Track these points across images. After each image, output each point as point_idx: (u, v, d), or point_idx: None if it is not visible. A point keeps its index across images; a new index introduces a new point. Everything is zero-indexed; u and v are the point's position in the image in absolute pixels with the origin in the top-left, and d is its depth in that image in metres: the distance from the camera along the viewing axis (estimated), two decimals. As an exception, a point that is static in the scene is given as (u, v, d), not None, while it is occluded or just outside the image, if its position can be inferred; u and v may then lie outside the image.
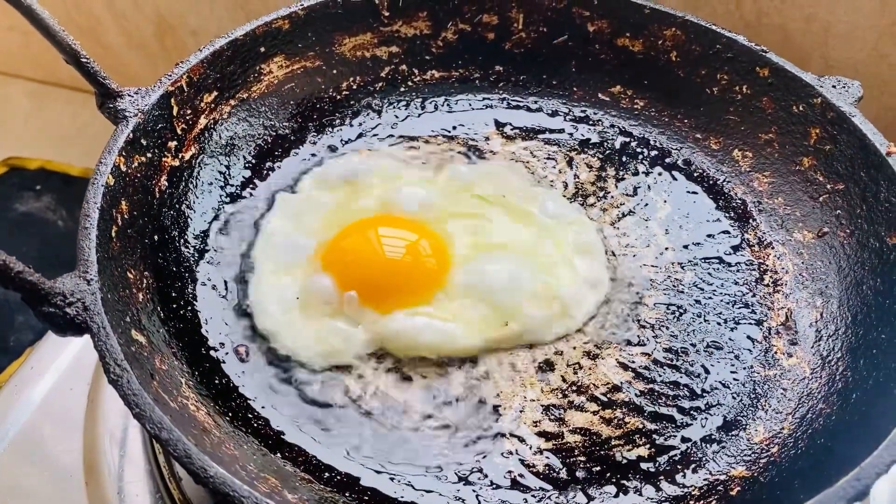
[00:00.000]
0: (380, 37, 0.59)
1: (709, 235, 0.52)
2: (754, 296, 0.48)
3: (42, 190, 0.84)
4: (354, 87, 0.59)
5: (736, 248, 0.51)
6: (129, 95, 0.47)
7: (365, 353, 0.45)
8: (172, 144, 0.49)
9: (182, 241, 0.48)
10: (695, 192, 0.55)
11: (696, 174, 0.56)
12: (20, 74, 1.04)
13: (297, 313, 0.46)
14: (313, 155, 0.55)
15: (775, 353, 0.45)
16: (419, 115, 0.59)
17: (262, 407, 0.42)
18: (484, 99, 0.61)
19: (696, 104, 0.58)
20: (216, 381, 0.42)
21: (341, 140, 0.56)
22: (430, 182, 0.53)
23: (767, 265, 0.50)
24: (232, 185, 0.52)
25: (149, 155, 0.47)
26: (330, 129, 0.57)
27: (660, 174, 0.56)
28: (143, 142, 0.46)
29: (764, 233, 0.52)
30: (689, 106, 0.58)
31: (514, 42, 0.61)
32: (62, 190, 0.85)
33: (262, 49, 0.55)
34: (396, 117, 0.58)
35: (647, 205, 0.53)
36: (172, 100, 0.49)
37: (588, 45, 0.60)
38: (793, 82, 0.53)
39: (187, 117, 0.50)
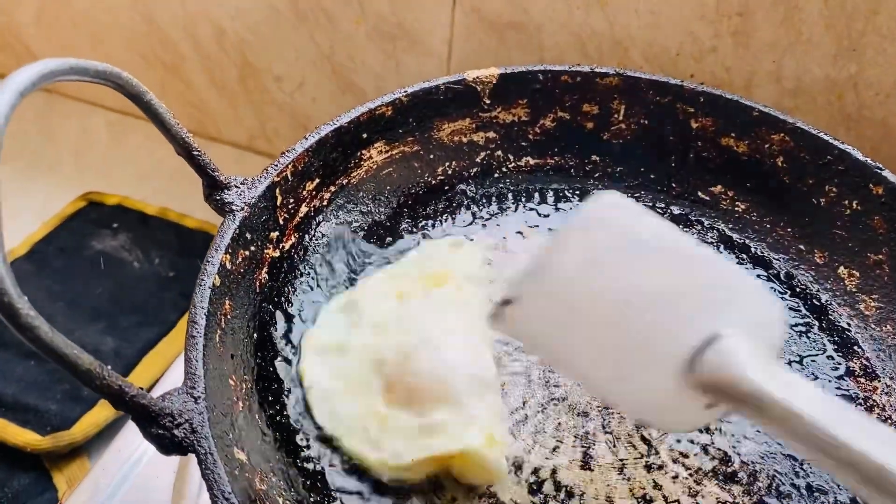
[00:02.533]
0: (478, 122, 0.59)
1: (810, 356, 0.50)
2: (860, 433, 0.46)
3: (118, 228, 0.85)
4: (450, 171, 0.59)
5: (840, 377, 0.49)
6: (235, 187, 0.47)
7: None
8: (274, 235, 0.49)
9: (280, 337, 0.48)
10: (796, 309, 0.53)
11: (797, 289, 0.54)
12: (102, 104, 1.05)
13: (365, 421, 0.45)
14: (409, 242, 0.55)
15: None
16: (514, 207, 0.58)
17: (356, 527, 0.41)
18: (579, 189, 0.60)
19: (800, 213, 0.56)
20: (312, 499, 0.41)
21: (437, 231, 0.56)
22: None
23: (874, 400, 0.48)
24: (329, 274, 0.52)
25: (252, 248, 0.47)
26: (425, 219, 0.56)
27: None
28: (248, 235, 0.46)
29: (871, 363, 0.50)
30: (794, 215, 0.56)
31: (613, 133, 0.60)
32: (138, 229, 0.85)
33: (365, 135, 0.54)
34: (491, 208, 0.58)
35: (747, 321, 0.52)
36: (277, 190, 0.49)
37: (690, 142, 0.59)
38: (909, 204, 0.51)
39: (289, 206, 0.50)
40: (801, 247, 0.55)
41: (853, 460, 0.26)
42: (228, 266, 0.44)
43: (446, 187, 0.58)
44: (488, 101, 0.58)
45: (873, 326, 0.51)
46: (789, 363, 0.50)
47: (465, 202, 0.58)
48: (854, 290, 0.53)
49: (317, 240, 0.52)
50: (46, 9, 0.95)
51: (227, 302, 0.43)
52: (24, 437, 0.65)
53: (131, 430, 0.54)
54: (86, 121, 1.02)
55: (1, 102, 0.32)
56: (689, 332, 0.32)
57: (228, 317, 0.43)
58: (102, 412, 0.68)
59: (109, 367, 0.34)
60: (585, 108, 0.60)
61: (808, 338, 0.51)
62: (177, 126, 0.44)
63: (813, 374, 0.49)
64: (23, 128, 0.99)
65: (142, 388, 0.35)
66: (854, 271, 0.53)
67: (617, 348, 0.33)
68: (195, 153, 0.45)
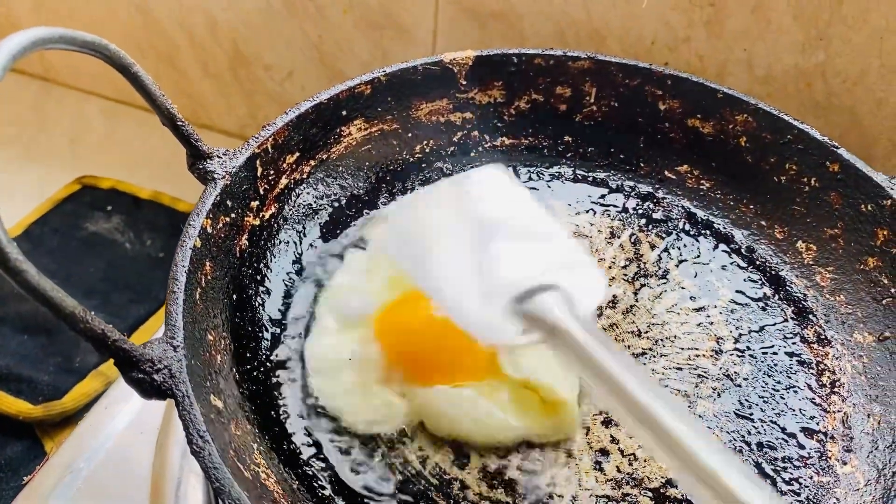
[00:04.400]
0: (455, 103, 0.61)
1: (768, 325, 0.52)
2: (811, 395, 0.49)
3: (112, 211, 0.87)
4: (427, 150, 0.61)
5: (795, 343, 0.52)
6: (217, 157, 0.49)
7: (410, 426, 0.46)
8: (254, 204, 0.51)
9: (258, 299, 0.50)
10: (755, 281, 0.55)
11: (757, 262, 0.56)
12: (96, 92, 1.07)
13: (348, 375, 0.47)
14: (385, 216, 0.57)
15: (829, 458, 0.46)
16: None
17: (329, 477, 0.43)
18: (550, 168, 0.62)
19: (762, 191, 0.58)
20: (284, 447, 0.44)
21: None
22: None
23: (825, 364, 0.50)
24: (307, 243, 0.54)
25: (233, 215, 0.49)
26: (402, 193, 0.59)
27: (722, 259, 0.56)
28: (229, 203, 0.49)
29: (823, 330, 0.52)
30: (756, 192, 0.59)
31: (585, 115, 0.63)
32: (131, 212, 0.88)
33: (344, 112, 0.57)
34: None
35: (708, 290, 0.54)
36: (258, 161, 0.51)
37: (658, 123, 0.61)
38: (863, 181, 0.53)
39: (270, 178, 0.52)
40: (763, 222, 0.58)
41: (617, 391, 0.34)
42: (209, 230, 0.46)
43: (423, 165, 0.61)
44: (465, 83, 0.60)
45: (827, 296, 0.54)
46: (749, 332, 0.52)
47: (442, 179, 0.60)
48: (811, 262, 0.55)
49: (296, 210, 0.55)
50: (44, 0, 0.98)
51: (208, 263, 0.46)
52: (17, 406, 0.67)
53: (116, 391, 0.56)
54: (80, 108, 1.05)
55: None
56: (526, 277, 0.39)
57: (209, 277, 0.46)
58: (93, 383, 0.70)
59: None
60: (558, 91, 0.62)
61: (768, 308, 0.54)
62: (162, 97, 0.46)
63: (768, 342, 0.52)
64: (19, 114, 1.02)
65: (123, 334, 0.37)
66: (811, 245, 0.56)
67: (465, 272, 0.40)
68: (179, 123, 0.47)
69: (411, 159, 0.61)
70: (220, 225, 0.48)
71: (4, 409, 0.68)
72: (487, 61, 0.60)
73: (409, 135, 0.60)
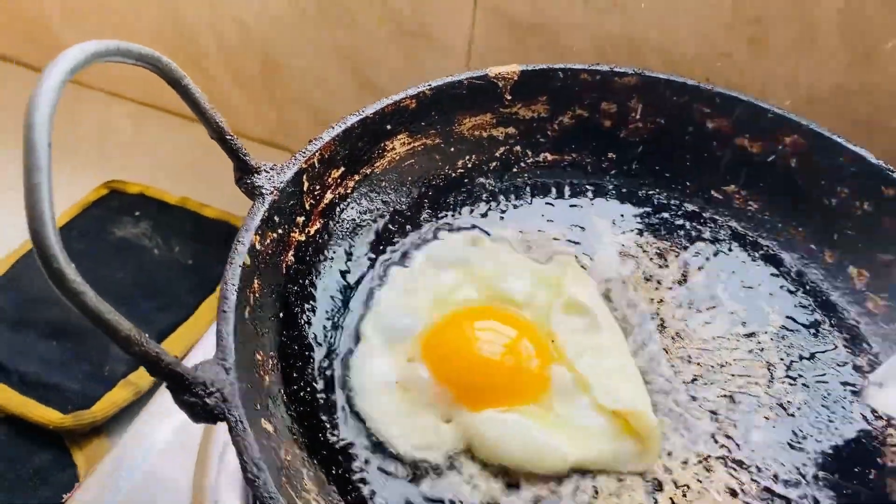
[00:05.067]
0: (499, 118, 0.60)
1: (820, 353, 0.51)
2: (867, 427, 0.48)
3: (140, 216, 0.87)
4: (469, 165, 0.60)
5: (847, 373, 0.50)
6: (265, 171, 0.48)
7: (460, 451, 0.45)
8: (300, 220, 0.50)
9: (304, 317, 0.49)
10: (805, 307, 0.54)
11: (808, 286, 0.55)
12: (123, 95, 1.07)
13: (395, 397, 0.46)
14: (428, 232, 0.56)
15: (890, 493, 0.45)
16: (531, 201, 0.59)
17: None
18: (595, 185, 0.61)
19: (812, 213, 0.57)
20: (333, 472, 0.43)
21: (456, 222, 0.57)
22: (537, 274, 0.54)
23: (881, 395, 0.49)
24: (351, 259, 0.54)
25: (280, 231, 0.48)
26: (445, 209, 0.58)
27: (771, 283, 0.55)
28: (276, 218, 0.48)
29: (878, 358, 0.51)
30: (805, 214, 0.57)
31: (631, 131, 0.62)
32: (159, 218, 0.87)
33: (389, 126, 0.56)
34: (509, 201, 0.59)
35: (758, 316, 0.53)
36: (304, 176, 0.50)
37: (705, 142, 0.60)
38: (920, 206, 0.52)
39: (315, 193, 0.52)
40: (812, 246, 0.57)
41: None
42: (258, 247, 0.45)
43: (465, 180, 0.60)
44: (509, 97, 0.59)
45: (881, 324, 0.52)
46: (800, 360, 0.51)
47: (484, 195, 0.59)
48: (863, 288, 0.54)
49: (340, 225, 0.54)
50: (73, 1, 0.97)
51: (256, 281, 0.45)
52: (47, 414, 0.67)
53: (152, 411, 0.56)
54: (108, 111, 1.04)
55: (51, 80, 0.34)
56: None
57: (257, 295, 0.45)
58: (122, 392, 0.70)
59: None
60: (604, 107, 0.61)
61: (820, 335, 0.52)
62: (211, 110, 0.46)
63: (820, 369, 0.50)
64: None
65: (176, 357, 0.36)
66: (863, 271, 0.54)
67: None
68: (228, 137, 0.46)
69: (453, 174, 0.60)
70: (268, 241, 0.47)
71: (34, 417, 0.67)
72: (532, 76, 0.59)
73: (452, 149, 0.60)
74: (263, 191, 0.47)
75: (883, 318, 0.53)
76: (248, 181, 0.48)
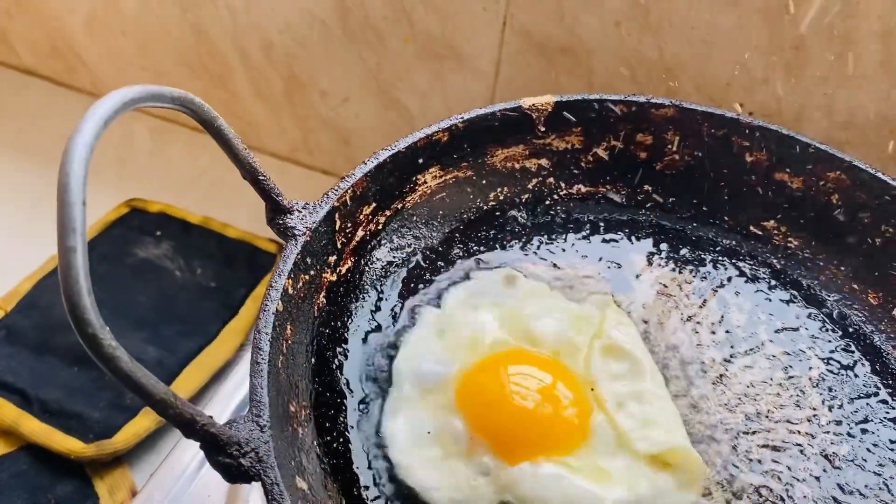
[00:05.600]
0: (531, 149, 0.59)
1: (865, 400, 0.50)
2: (916, 481, 0.46)
3: (161, 236, 0.86)
4: (501, 197, 0.59)
5: (893, 420, 0.49)
6: (297, 211, 0.47)
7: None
8: (332, 259, 0.49)
9: (336, 361, 0.48)
10: (850, 351, 0.52)
11: (850, 329, 0.54)
12: (144, 110, 1.06)
13: (430, 449, 0.45)
14: (459, 270, 0.55)
15: (941, 555, 0.43)
16: (565, 237, 0.58)
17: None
18: (630, 219, 0.60)
19: (854, 252, 0.56)
20: (371, 528, 0.42)
21: (489, 258, 0.56)
22: (574, 314, 0.52)
23: (930, 446, 0.48)
24: (382, 299, 0.52)
25: (311, 273, 0.47)
26: (477, 244, 0.57)
27: (812, 325, 0.54)
28: (308, 260, 0.47)
29: (926, 407, 0.49)
30: (848, 253, 0.56)
31: (666, 163, 0.60)
32: (180, 238, 0.86)
33: (421, 160, 0.54)
34: (542, 237, 0.58)
35: (800, 360, 0.52)
36: (337, 214, 0.49)
37: (744, 176, 0.59)
38: (969, 250, 0.50)
39: (347, 231, 0.50)
40: (855, 286, 0.55)
41: None
42: (290, 291, 0.44)
43: (497, 213, 0.58)
44: (542, 129, 0.58)
45: (928, 370, 0.51)
46: (843, 407, 0.49)
47: (517, 229, 0.58)
48: (909, 332, 0.53)
49: (371, 264, 0.53)
50: (97, 16, 0.96)
51: (289, 327, 0.44)
52: (69, 444, 0.66)
53: (178, 453, 0.55)
54: (129, 126, 1.03)
55: (85, 135, 0.33)
56: None
57: (290, 342, 0.44)
58: (144, 422, 0.69)
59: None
60: (639, 138, 0.60)
61: (860, 379, 0.51)
62: (244, 151, 0.44)
63: (865, 416, 0.49)
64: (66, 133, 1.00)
65: (210, 417, 0.35)
66: (909, 313, 0.53)
67: None
68: (261, 178, 0.45)
69: (485, 207, 0.58)
70: (300, 284, 0.46)
71: (56, 446, 0.66)
72: (567, 107, 0.58)
73: (484, 182, 0.58)
74: (296, 231, 0.46)
75: (930, 363, 0.51)
76: (281, 222, 0.47)
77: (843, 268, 0.56)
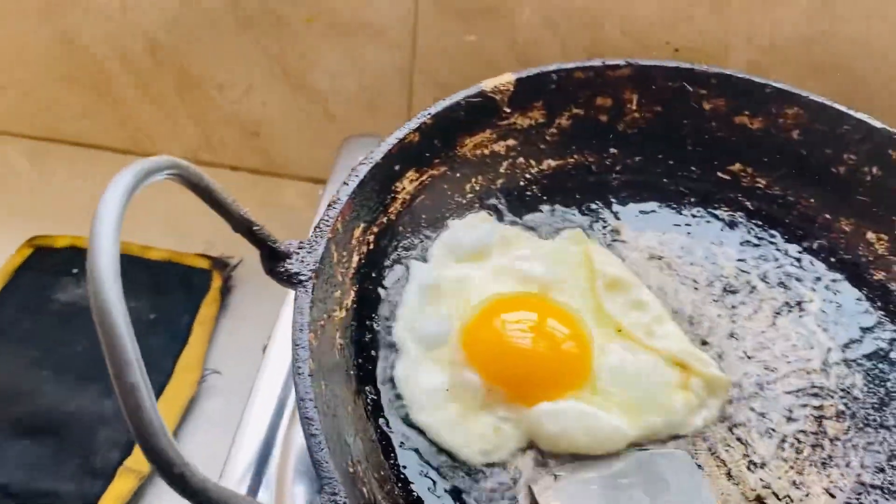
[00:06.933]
0: (498, 131, 0.57)
1: (865, 329, 0.52)
2: (929, 397, 0.49)
3: (79, 273, 0.78)
4: (477, 187, 0.57)
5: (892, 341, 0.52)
6: (295, 253, 0.43)
7: (520, 450, 0.45)
8: (338, 294, 0.46)
9: (369, 401, 0.45)
10: (837, 280, 0.55)
11: (832, 259, 0.56)
12: (11, 131, 0.95)
13: (449, 406, 0.46)
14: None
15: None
16: (543, 211, 0.57)
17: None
18: (603, 185, 0.59)
19: (822, 183, 0.58)
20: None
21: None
22: (558, 254, 0.53)
23: (930, 358, 0.51)
24: (390, 322, 0.50)
25: (325, 317, 0.44)
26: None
27: (799, 261, 0.55)
28: (321, 304, 0.43)
29: (919, 325, 0.52)
30: (815, 185, 0.58)
31: (628, 123, 0.60)
32: (101, 271, 0.78)
33: (397, 167, 0.51)
34: (521, 216, 0.57)
35: (797, 299, 0.53)
36: (333, 247, 0.46)
37: (704, 124, 0.59)
38: (930, 166, 0.53)
39: (344, 260, 0.47)
40: (827, 216, 0.57)
41: None
42: (315, 343, 0.41)
43: (476, 205, 0.56)
44: (508, 110, 0.56)
45: (911, 286, 0.54)
46: (844, 337, 0.51)
47: (496, 217, 0.56)
48: (885, 252, 0.55)
49: (372, 288, 0.50)
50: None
51: (323, 384, 0.41)
52: (50, 529, 0.60)
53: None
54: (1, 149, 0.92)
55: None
56: None
57: (327, 398, 0.41)
58: (125, 483, 0.64)
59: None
60: (599, 102, 0.59)
61: (853, 306, 0.53)
62: (234, 205, 0.40)
63: (874, 344, 0.51)
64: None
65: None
66: (882, 235, 0.55)
67: None
68: (255, 228, 0.41)
69: (463, 201, 0.56)
70: (319, 332, 0.42)
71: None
72: (527, 82, 0.56)
73: (458, 175, 0.56)
74: (301, 277, 0.43)
75: (911, 280, 0.54)
76: (282, 269, 0.43)
77: (812, 200, 0.58)
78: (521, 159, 0.58)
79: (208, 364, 0.74)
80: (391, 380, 0.47)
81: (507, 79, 0.55)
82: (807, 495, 0.44)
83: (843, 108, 0.55)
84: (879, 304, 0.54)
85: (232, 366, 0.74)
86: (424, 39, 0.76)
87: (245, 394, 0.59)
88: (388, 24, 0.76)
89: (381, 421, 0.45)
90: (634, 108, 0.59)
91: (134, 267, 0.79)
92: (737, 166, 0.59)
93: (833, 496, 0.45)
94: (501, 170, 0.58)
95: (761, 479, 0.45)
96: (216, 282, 0.79)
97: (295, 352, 0.40)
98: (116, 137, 0.92)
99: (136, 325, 0.72)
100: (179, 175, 0.36)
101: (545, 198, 0.58)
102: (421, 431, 0.45)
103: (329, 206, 0.46)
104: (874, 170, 0.55)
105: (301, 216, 0.88)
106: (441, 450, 0.44)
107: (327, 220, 0.45)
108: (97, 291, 0.27)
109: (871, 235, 0.56)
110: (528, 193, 0.58)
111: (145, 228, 0.82)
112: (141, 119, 0.89)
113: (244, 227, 0.41)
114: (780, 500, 0.44)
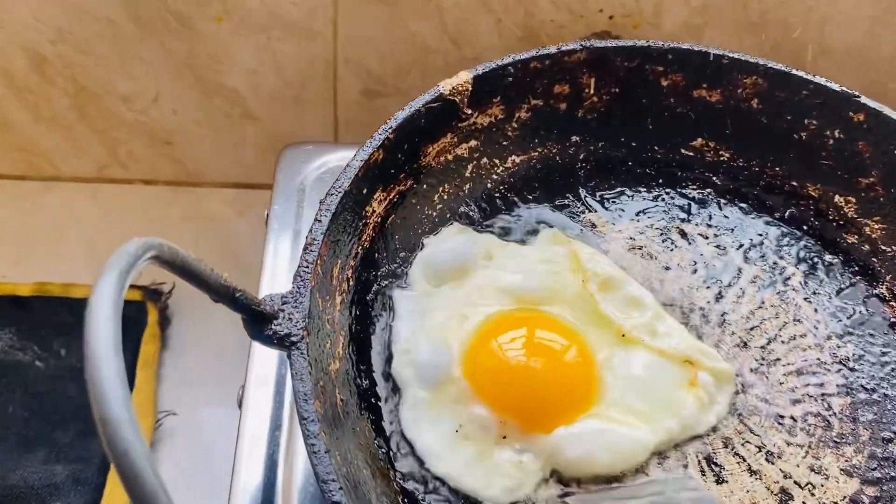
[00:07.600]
0: (459, 134, 0.54)
1: (847, 296, 0.53)
2: (917, 356, 0.50)
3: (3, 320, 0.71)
4: (445, 197, 0.54)
5: (876, 307, 0.52)
6: (281, 311, 0.39)
7: (544, 480, 0.43)
8: (328, 346, 0.42)
9: (382, 449, 0.42)
10: (812, 249, 0.55)
11: (805, 227, 0.56)
12: None
13: (464, 447, 0.43)
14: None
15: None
16: (513, 215, 0.55)
17: None
18: (569, 179, 0.57)
19: (785, 151, 0.57)
20: None
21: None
22: (544, 261, 0.51)
23: (914, 320, 0.52)
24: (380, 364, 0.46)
25: (323, 375, 0.40)
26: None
27: (772, 234, 0.55)
28: (316, 362, 0.40)
29: (893, 286, 0.53)
30: (778, 153, 0.57)
31: (587, 108, 0.57)
32: (19, 319, 0.71)
33: (365, 190, 0.47)
34: (493, 221, 0.54)
35: (779, 273, 0.53)
36: (317, 294, 0.42)
37: (663, 101, 0.57)
38: (892, 125, 0.53)
39: (328, 307, 0.43)
40: (794, 183, 0.57)
41: None
42: (321, 411, 0.37)
43: (448, 215, 0.53)
44: (469, 111, 0.53)
45: (882, 247, 0.54)
46: (829, 307, 0.52)
47: (471, 225, 0.53)
48: (854, 216, 0.55)
49: (357, 332, 0.46)
50: None
51: (337, 454, 0.37)
52: None
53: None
54: None
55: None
56: None
57: (340, 464, 0.37)
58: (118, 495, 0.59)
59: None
60: (556, 90, 0.56)
61: (833, 271, 0.53)
62: (213, 275, 0.36)
63: (857, 311, 0.51)
64: None
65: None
66: (850, 198, 0.56)
67: None
68: (238, 295, 0.37)
69: (434, 214, 0.53)
70: (319, 393, 0.39)
71: None
72: (484, 79, 0.53)
73: (424, 186, 0.52)
74: (293, 339, 0.39)
75: (882, 240, 0.54)
76: (271, 333, 0.39)
77: (777, 168, 0.57)
78: (484, 160, 0.55)
79: (161, 406, 0.68)
80: (401, 431, 0.44)
81: (464, 77, 0.52)
82: (826, 478, 0.44)
83: (801, 74, 0.55)
84: (857, 267, 0.54)
85: (187, 403, 0.69)
86: (347, 28, 0.71)
87: (207, 430, 0.55)
88: (304, 15, 0.70)
89: (398, 476, 0.42)
90: (592, 92, 0.57)
91: (56, 309, 0.72)
92: (699, 141, 0.58)
93: (851, 475, 0.45)
94: (467, 174, 0.55)
95: (781, 470, 0.45)
96: (152, 315, 0.73)
97: (304, 427, 0.36)
98: (13, 164, 0.83)
99: (70, 374, 0.67)
100: (157, 258, 0.31)
101: (515, 198, 0.55)
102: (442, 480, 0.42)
103: (305, 249, 0.42)
104: (836, 133, 0.55)
105: (228, 226, 0.83)
106: (467, 497, 0.42)
107: (307, 267, 0.41)
108: (105, 420, 0.23)
109: (838, 199, 0.56)
110: (497, 195, 0.55)
111: (67, 262, 0.75)
112: (36, 143, 0.80)
113: (225, 295, 0.36)
114: (802, 488, 0.44)
